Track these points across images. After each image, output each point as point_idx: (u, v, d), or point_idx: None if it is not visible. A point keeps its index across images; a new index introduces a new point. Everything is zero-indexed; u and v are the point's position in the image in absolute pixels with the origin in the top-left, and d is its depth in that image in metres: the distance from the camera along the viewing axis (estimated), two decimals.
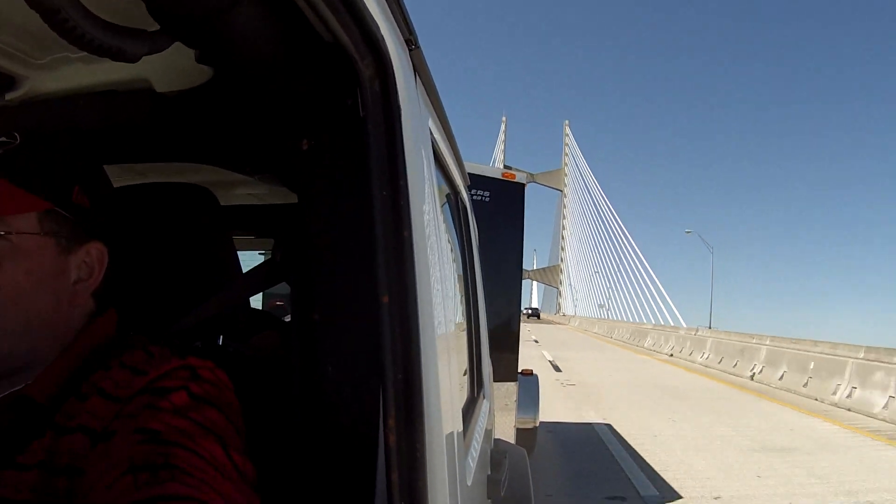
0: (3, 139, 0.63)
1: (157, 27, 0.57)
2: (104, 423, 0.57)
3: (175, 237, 0.90)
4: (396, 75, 0.70)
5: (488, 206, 4.57)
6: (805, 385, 10.54)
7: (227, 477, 0.54)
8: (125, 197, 0.89)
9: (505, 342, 4.57)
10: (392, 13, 0.74)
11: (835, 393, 9.68)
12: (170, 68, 0.82)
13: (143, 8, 0.55)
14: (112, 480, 0.51)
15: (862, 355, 9.74)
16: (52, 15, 0.44)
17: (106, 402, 0.59)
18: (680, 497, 4.70)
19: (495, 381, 3.36)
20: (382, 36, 0.67)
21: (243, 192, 1.51)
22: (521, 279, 5.30)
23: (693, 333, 19.62)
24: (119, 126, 1.00)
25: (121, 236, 0.71)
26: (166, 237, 0.89)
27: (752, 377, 12.52)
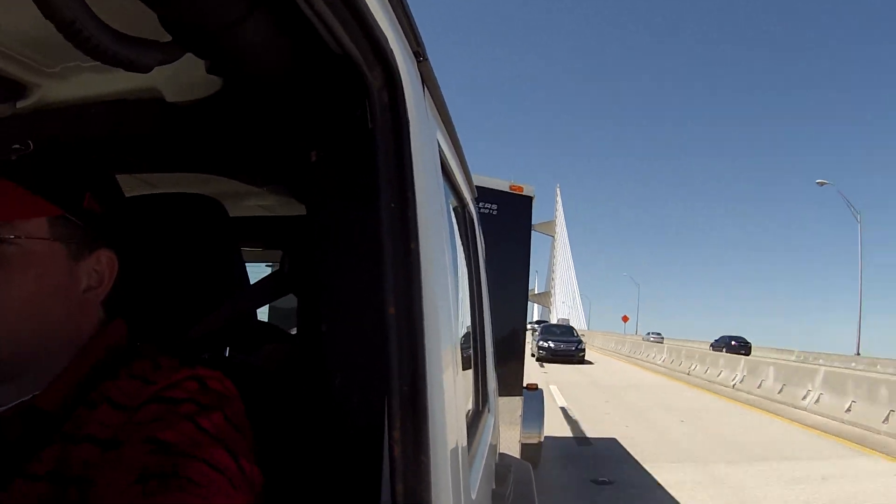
0: (17, 146, 0.63)
1: (168, 38, 0.57)
2: (113, 433, 0.57)
3: (183, 248, 0.90)
4: (405, 87, 0.70)
5: (496, 219, 4.55)
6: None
7: (236, 486, 0.53)
8: (135, 207, 0.90)
9: (510, 356, 4.53)
10: (400, 25, 0.74)
11: None
12: (180, 79, 0.83)
13: (155, 19, 0.56)
14: (121, 489, 0.50)
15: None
16: (67, 25, 0.44)
17: (114, 412, 0.58)
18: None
19: (500, 395, 3.32)
20: (391, 48, 0.67)
21: (253, 203, 1.51)
22: (528, 293, 5.25)
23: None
24: (129, 136, 1.00)
25: (130, 246, 0.71)
26: (175, 248, 0.89)
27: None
